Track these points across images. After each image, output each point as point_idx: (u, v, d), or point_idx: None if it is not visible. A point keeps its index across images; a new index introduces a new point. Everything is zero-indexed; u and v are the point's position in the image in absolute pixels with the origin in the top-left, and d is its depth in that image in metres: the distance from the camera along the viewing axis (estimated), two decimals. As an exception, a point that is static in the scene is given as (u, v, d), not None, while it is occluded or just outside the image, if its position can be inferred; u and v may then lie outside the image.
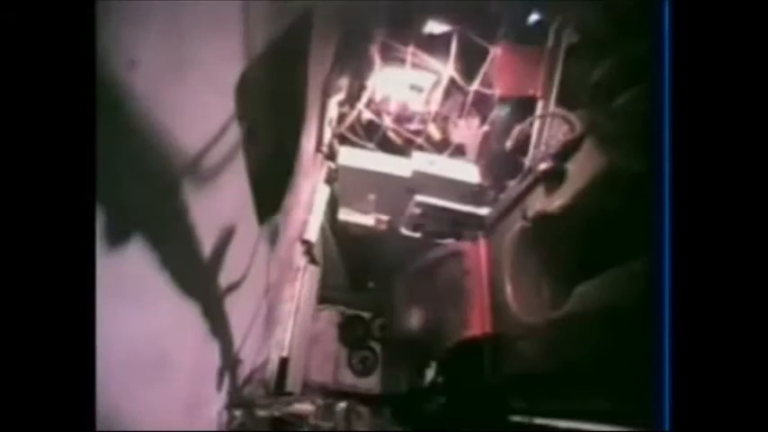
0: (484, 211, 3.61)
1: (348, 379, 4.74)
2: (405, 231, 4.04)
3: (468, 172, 3.61)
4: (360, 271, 4.96)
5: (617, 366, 1.88)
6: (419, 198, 3.70)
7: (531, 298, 2.72)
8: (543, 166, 2.54)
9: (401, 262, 3.84)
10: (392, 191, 3.74)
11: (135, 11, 0.91)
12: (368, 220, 4.07)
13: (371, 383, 4.85)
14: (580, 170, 2.34)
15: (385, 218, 4.07)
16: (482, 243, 3.27)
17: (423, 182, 3.61)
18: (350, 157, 3.65)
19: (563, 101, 3.14)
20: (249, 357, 2.69)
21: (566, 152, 2.46)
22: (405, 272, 3.78)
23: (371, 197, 3.90)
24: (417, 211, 3.77)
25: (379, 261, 4.51)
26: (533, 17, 3.36)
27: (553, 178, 2.51)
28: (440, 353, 3.41)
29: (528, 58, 3.34)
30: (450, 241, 3.72)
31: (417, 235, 4.02)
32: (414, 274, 3.71)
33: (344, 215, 4.08)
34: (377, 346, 4.94)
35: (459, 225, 3.75)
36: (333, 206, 4.01)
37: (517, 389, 2.77)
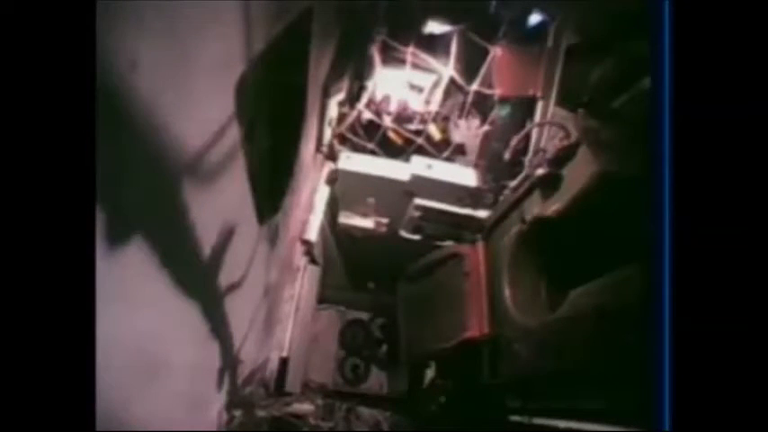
0: (483, 213, 3.62)
1: (342, 387, 4.75)
2: (405, 234, 4.05)
3: (465, 175, 3.62)
4: (360, 271, 4.96)
5: (614, 367, 1.88)
6: (418, 201, 3.71)
7: (528, 300, 2.75)
8: (540, 171, 2.59)
9: (401, 264, 3.85)
10: (391, 194, 3.75)
11: (135, 11, 0.91)
12: (368, 222, 4.09)
13: (371, 384, 4.86)
14: (576, 176, 2.38)
15: (385, 221, 4.07)
16: (481, 246, 3.30)
17: (421, 185, 3.62)
18: (349, 161, 3.67)
19: (563, 101, 3.14)
20: (249, 357, 2.69)
21: (561, 158, 2.50)
22: (405, 273, 3.80)
23: (371, 200, 3.91)
24: (417, 214, 3.79)
25: (379, 263, 4.51)
26: (533, 17, 3.35)
27: (549, 184, 2.56)
28: (439, 354, 3.42)
29: (528, 58, 3.34)
30: (449, 243, 3.75)
31: (417, 237, 4.03)
32: (414, 275, 3.72)
33: (344, 218, 4.09)
34: (368, 354, 4.94)
35: (459, 227, 3.77)
36: (333, 207, 4.02)
37: (515, 389, 2.78)
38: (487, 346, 2.92)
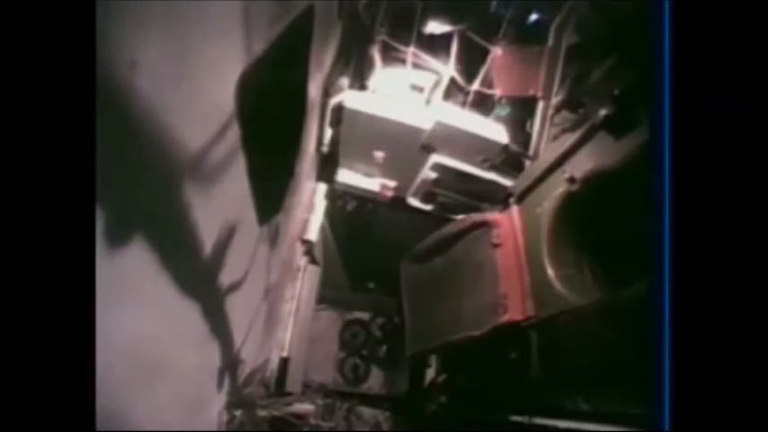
0: (508, 181, 3.06)
1: (342, 387, 4.74)
2: (413, 201, 3.44)
3: (496, 130, 3.09)
4: (360, 271, 4.96)
5: (614, 367, 1.87)
6: (436, 158, 3.08)
7: (573, 275, 2.32)
8: (604, 111, 2.05)
9: (414, 238, 3.29)
10: (405, 147, 3.06)
11: (136, 11, 0.91)
12: (372, 184, 3.40)
13: (371, 384, 4.85)
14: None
15: (392, 184, 3.39)
16: (516, 211, 2.72)
17: (444, 137, 3.00)
18: (358, 99, 2.94)
19: (563, 101, 3.14)
20: (249, 357, 2.69)
21: (633, 96, 1.94)
22: (411, 253, 3.30)
23: (379, 155, 3.20)
24: (432, 175, 3.17)
25: (387, 239, 3.99)
26: (533, 17, 3.36)
27: (615, 127, 2.00)
28: (461, 344, 2.81)
29: (528, 58, 3.34)
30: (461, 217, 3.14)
31: (428, 207, 3.43)
32: (422, 254, 3.21)
33: (345, 177, 3.39)
34: (368, 354, 4.92)
35: (478, 197, 3.22)
36: (332, 160, 3.43)
37: (562, 384, 2.34)
38: (533, 331, 2.41)
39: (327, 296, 4.79)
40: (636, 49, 2.26)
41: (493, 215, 2.81)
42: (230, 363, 2.29)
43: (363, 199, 4.01)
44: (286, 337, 3.43)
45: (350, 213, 4.75)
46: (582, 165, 2.24)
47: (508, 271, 2.57)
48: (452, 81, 3.63)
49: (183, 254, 1.51)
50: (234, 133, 1.63)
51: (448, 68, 3.58)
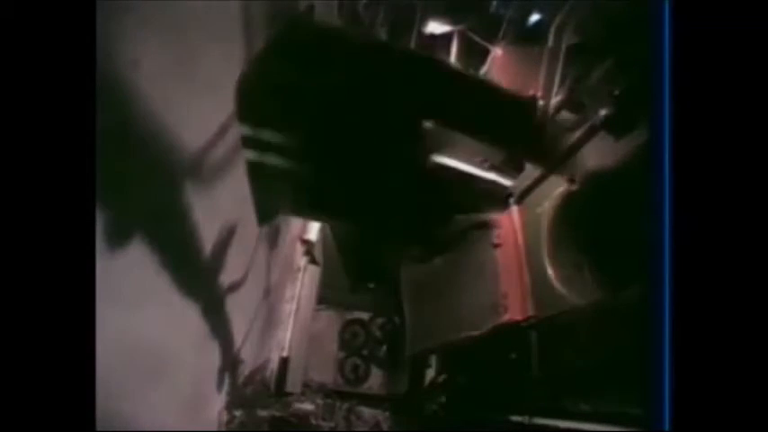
0: (508, 181, 3.00)
1: (342, 387, 4.73)
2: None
3: None
4: (360, 271, 4.95)
5: (614, 367, 1.86)
6: (437, 158, 3.03)
7: (573, 275, 2.32)
8: (604, 111, 2.05)
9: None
10: None
11: (137, 11, 0.91)
12: None
13: (371, 384, 4.85)
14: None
15: None
16: (516, 211, 2.72)
17: (444, 137, 2.91)
18: None
19: (563, 101, 3.14)
20: (249, 357, 2.69)
21: (633, 96, 1.94)
22: (411, 254, 3.35)
23: None
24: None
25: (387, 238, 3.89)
26: (533, 17, 3.36)
27: (615, 127, 2.01)
28: (462, 343, 2.84)
29: (528, 58, 3.34)
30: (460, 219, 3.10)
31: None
32: (423, 254, 3.25)
33: None
34: (368, 354, 4.91)
35: (477, 198, 3.13)
36: None
37: (563, 384, 2.33)
38: (534, 330, 2.41)
39: (327, 296, 4.78)
40: (636, 50, 2.25)
41: (494, 215, 2.83)
42: (230, 363, 2.29)
43: (363, 199, 4.01)
44: (286, 337, 3.43)
45: (350, 213, 4.73)
46: (581, 165, 2.26)
47: (508, 271, 2.59)
48: (452, 81, 3.62)
49: (184, 254, 1.51)
50: (234, 133, 1.63)
51: (448, 68, 3.57)
